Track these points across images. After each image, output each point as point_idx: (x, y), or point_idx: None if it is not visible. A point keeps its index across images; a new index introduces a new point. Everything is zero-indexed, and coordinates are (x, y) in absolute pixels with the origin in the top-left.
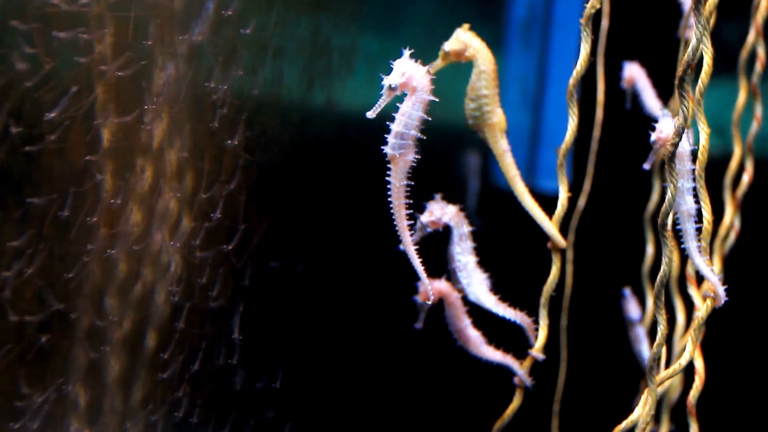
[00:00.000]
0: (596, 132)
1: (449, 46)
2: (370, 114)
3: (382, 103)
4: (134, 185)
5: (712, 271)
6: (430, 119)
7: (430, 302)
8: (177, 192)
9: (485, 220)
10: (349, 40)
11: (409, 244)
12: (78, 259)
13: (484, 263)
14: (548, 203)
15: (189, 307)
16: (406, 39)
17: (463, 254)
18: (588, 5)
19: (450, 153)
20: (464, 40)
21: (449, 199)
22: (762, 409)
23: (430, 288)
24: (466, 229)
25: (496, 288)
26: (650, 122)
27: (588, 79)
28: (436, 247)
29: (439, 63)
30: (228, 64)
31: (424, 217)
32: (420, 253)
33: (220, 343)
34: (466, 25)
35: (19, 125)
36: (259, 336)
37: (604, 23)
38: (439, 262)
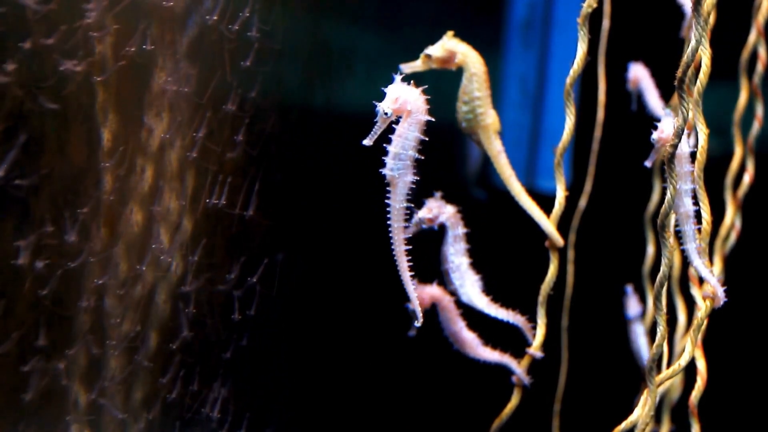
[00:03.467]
0: (597, 132)
1: (432, 51)
2: (367, 141)
3: (377, 130)
4: (134, 185)
5: (711, 273)
6: (427, 139)
7: (419, 324)
8: (177, 192)
9: (485, 218)
10: (349, 41)
11: (405, 270)
12: (78, 259)
13: (484, 263)
14: (549, 203)
15: (189, 306)
16: (406, 39)
17: (457, 255)
18: (585, 4)
19: (451, 148)
20: (449, 47)
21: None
22: (763, 409)
23: (423, 294)
24: (461, 230)
25: (497, 287)
26: (652, 123)
27: (589, 80)
28: (430, 248)
29: (418, 65)
30: (228, 65)
31: (422, 213)
32: (413, 253)
33: (221, 342)
34: (449, 33)
35: (18, 125)
36: (260, 336)
37: (605, 23)
38: (433, 263)
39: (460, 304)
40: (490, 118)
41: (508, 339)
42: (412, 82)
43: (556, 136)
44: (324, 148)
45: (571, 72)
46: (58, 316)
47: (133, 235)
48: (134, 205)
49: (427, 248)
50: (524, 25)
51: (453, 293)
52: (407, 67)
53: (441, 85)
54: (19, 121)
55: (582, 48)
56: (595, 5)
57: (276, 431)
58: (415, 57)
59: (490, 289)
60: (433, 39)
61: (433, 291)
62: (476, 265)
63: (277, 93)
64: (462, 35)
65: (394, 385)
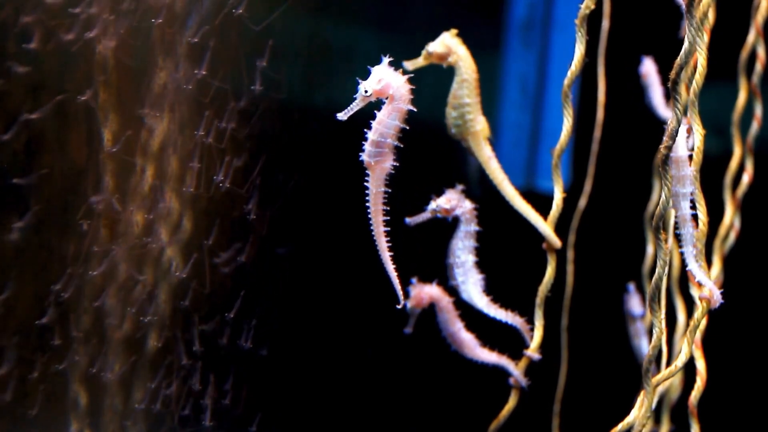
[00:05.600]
0: (597, 132)
1: (433, 47)
2: (341, 116)
3: (354, 106)
4: (135, 185)
5: (707, 276)
6: (408, 128)
7: (400, 306)
8: (177, 192)
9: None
10: (349, 41)
11: (384, 250)
12: (78, 259)
13: (484, 262)
14: (550, 203)
15: (189, 306)
16: (406, 39)
17: (464, 252)
18: (582, 6)
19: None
20: (449, 44)
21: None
22: (763, 409)
23: (422, 294)
24: (474, 228)
25: (497, 288)
26: (651, 122)
27: (589, 80)
28: (433, 247)
29: (420, 62)
30: (228, 64)
31: (441, 201)
32: (416, 250)
33: (220, 342)
34: (453, 30)
35: (19, 126)
36: (259, 335)
37: (605, 24)
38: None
39: (458, 304)
40: (480, 125)
41: (507, 340)
42: (400, 69)
43: (556, 136)
44: (324, 147)
45: (569, 73)
46: (58, 315)
47: (133, 235)
48: (134, 204)
49: (427, 246)
50: (524, 26)
51: (453, 289)
52: (410, 64)
53: (439, 80)
54: (20, 121)
55: (580, 49)
56: (593, 6)
57: (275, 430)
58: (415, 57)
59: (489, 288)
60: (433, 39)
61: (432, 291)
62: (477, 264)
63: (277, 93)
64: (462, 35)
65: (392, 386)
